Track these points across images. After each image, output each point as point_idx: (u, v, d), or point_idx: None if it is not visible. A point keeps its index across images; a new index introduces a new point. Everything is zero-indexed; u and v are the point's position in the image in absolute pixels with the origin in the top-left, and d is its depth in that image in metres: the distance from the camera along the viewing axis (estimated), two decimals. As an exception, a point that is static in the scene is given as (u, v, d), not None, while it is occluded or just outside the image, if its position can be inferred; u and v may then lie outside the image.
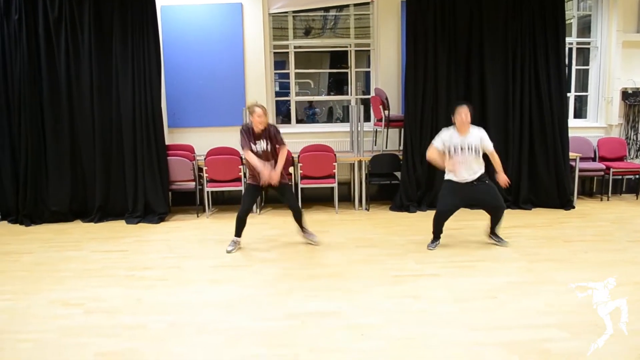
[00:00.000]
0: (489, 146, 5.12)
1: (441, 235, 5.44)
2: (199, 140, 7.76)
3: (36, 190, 6.83)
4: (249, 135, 5.21)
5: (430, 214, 6.93)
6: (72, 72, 6.79)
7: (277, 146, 5.29)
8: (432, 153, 5.21)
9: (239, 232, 5.43)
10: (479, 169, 5.12)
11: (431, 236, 5.44)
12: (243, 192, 5.28)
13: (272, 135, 5.23)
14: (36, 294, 4.27)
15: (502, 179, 5.17)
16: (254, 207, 7.26)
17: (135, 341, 3.40)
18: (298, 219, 5.48)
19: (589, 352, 3.14)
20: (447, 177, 5.24)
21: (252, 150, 5.19)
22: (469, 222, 6.49)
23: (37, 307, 4.00)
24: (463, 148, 5.02)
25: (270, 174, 5.13)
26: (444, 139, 5.13)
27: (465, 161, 5.05)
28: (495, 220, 5.33)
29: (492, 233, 5.44)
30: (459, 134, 5.06)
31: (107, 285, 4.47)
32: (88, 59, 6.76)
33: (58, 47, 6.74)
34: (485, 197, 5.17)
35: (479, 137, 5.07)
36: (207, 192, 7.18)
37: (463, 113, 5.00)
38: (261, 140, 5.20)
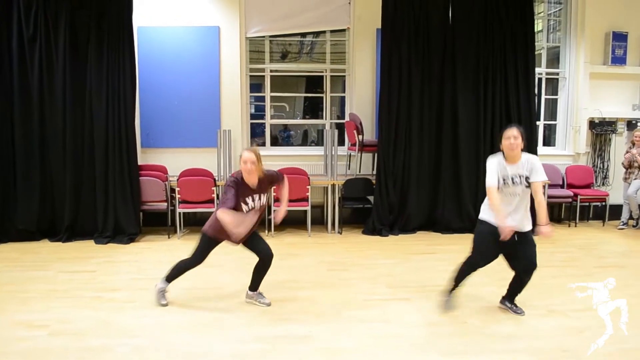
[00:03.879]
0: (539, 177, 3.93)
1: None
2: (172, 161, 7.70)
3: (3, 207, 6.68)
4: (241, 189, 4.10)
5: (403, 238, 7.05)
6: (45, 89, 6.72)
7: (278, 185, 4.55)
8: (495, 195, 3.93)
9: (173, 278, 4.44)
10: (525, 217, 4.02)
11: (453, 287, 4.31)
12: (201, 244, 4.28)
13: (267, 186, 4.31)
14: (-1, 315, 4.16)
15: (545, 230, 3.92)
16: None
17: (101, 364, 3.33)
18: (264, 270, 4.45)
19: (589, 352, 3.27)
20: (483, 216, 4.11)
21: (234, 208, 4.04)
22: (441, 246, 6.55)
23: (0, 329, 3.88)
24: (515, 181, 3.94)
25: (277, 215, 4.40)
26: (497, 169, 3.99)
27: (513, 196, 3.97)
28: (521, 285, 4.20)
29: (511, 301, 4.34)
30: (508, 163, 3.99)
31: (73, 306, 4.37)
32: (62, 77, 6.71)
33: (31, 64, 6.68)
34: (524, 253, 4.04)
35: (531, 165, 3.96)
36: (179, 213, 7.11)
37: (512, 137, 3.94)
38: (258, 195, 4.20)
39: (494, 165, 4.00)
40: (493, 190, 3.93)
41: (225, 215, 3.85)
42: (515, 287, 4.22)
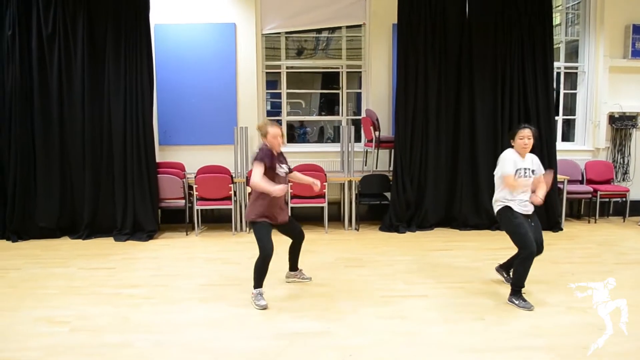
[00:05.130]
0: (542, 170, 4.51)
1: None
2: (189, 158, 7.75)
3: (24, 205, 6.78)
4: (271, 156, 4.38)
5: (420, 234, 7.02)
6: (64, 88, 6.79)
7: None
8: (512, 179, 4.31)
9: (262, 281, 4.40)
10: (529, 203, 4.42)
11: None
12: (258, 234, 4.33)
13: (284, 159, 4.62)
14: (20, 311, 4.22)
15: (536, 200, 4.37)
16: (244, 224, 7.26)
17: (120, 360, 3.37)
18: (298, 249, 4.84)
19: (589, 352, 3.23)
20: (504, 205, 4.41)
21: (272, 171, 4.37)
22: (458, 243, 6.52)
23: (21, 325, 3.95)
24: (527, 173, 4.39)
25: (313, 183, 4.67)
26: (514, 163, 4.38)
27: (525, 185, 4.39)
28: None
29: (508, 271, 4.79)
30: (521, 158, 4.42)
31: (93, 303, 4.42)
32: (80, 76, 6.78)
33: (51, 63, 6.75)
34: (536, 229, 4.43)
35: (537, 162, 4.49)
36: (197, 210, 7.16)
37: (526, 137, 4.36)
38: (284, 165, 4.55)
39: (511, 158, 4.40)
40: (511, 177, 4.31)
41: (260, 181, 4.19)
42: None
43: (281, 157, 4.55)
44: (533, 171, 4.43)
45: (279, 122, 8.48)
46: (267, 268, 4.32)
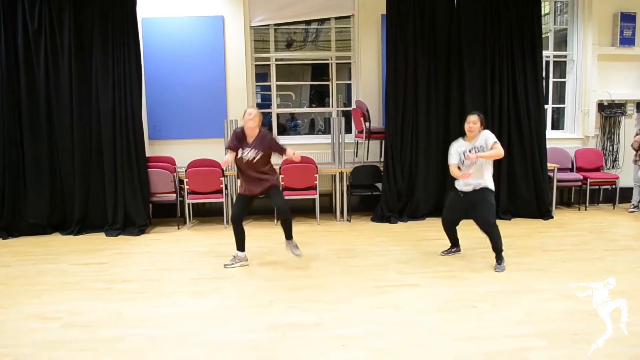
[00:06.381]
0: (491, 140, 4.83)
1: (457, 244, 5.54)
2: (179, 152, 7.72)
3: (14, 202, 6.72)
4: (238, 138, 4.95)
5: (412, 224, 7.08)
6: (52, 83, 6.72)
7: (281, 156, 5.18)
8: (454, 170, 4.99)
9: (238, 245, 5.20)
10: (478, 178, 4.90)
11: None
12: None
13: (266, 146, 4.95)
14: (12, 308, 4.19)
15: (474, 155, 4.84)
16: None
17: (113, 355, 3.35)
18: (285, 225, 5.12)
19: (589, 352, 3.21)
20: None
21: (234, 153, 4.97)
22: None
23: (13, 321, 3.93)
24: (473, 151, 4.87)
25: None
26: (457, 151, 5.00)
27: (470, 165, 4.89)
28: (490, 241, 5.02)
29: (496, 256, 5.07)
30: (467, 141, 4.98)
31: (85, 298, 4.40)
32: (68, 71, 6.71)
33: (37, 58, 6.68)
34: (476, 209, 4.97)
35: (485, 138, 4.87)
36: (188, 204, 7.14)
37: (471, 122, 4.92)
38: (250, 149, 4.92)
39: (453, 150, 5.04)
40: (451, 167, 5.03)
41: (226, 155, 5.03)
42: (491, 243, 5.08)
43: (251, 142, 4.94)
44: (482, 148, 4.86)
45: (269, 114, 8.46)
46: (237, 232, 5.13)
